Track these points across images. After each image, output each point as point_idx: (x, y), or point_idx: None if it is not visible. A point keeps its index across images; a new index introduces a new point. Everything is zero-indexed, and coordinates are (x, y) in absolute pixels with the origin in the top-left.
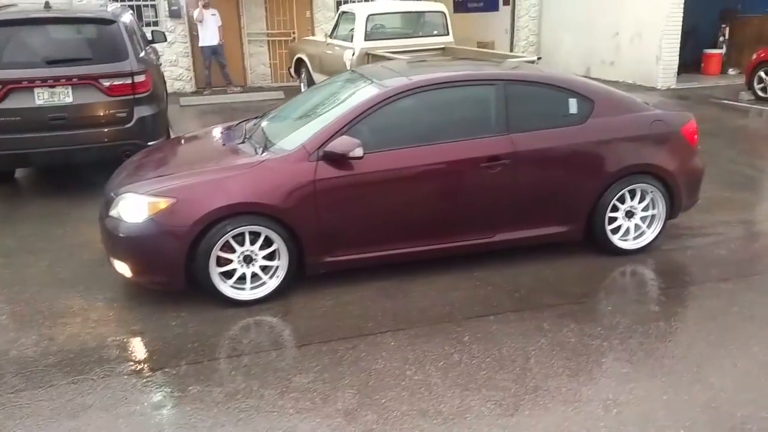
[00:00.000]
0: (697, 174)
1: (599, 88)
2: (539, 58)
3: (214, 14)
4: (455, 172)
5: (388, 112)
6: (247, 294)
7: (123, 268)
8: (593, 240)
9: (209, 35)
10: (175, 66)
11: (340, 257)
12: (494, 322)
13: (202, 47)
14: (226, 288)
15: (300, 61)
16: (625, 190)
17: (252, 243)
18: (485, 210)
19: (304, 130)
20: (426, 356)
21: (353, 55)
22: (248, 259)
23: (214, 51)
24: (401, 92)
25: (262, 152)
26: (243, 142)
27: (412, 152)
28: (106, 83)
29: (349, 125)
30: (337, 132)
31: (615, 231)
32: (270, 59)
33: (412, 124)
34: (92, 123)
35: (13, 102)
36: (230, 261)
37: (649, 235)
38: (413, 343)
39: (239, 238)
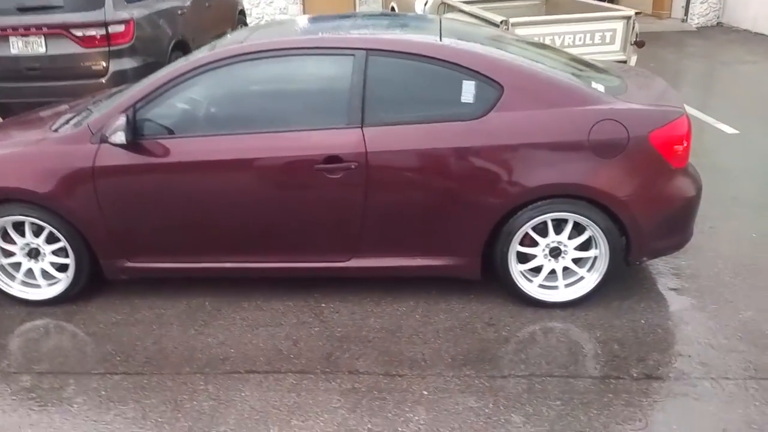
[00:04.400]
0: (676, 204)
1: (517, 67)
2: (638, 14)
3: None
4: (279, 173)
5: (199, 88)
6: (34, 293)
7: None
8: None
9: None
10: (285, 13)
11: (141, 264)
12: (252, 387)
13: None
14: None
15: (393, 10)
16: (546, 218)
17: (36, 235)
18: (330, 227)
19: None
20: (106, 416)
21: (425, 4)
22: (35, 253)
23: None
24: (212, 63)
25: (57, 128)
26: (65, 113)
27: (224, 141)
28: (78, 33)
29: (144, 101)
30: (126, 109)
31: (535, 272)
32: (383, 7)
33: (233, 105)
34: (66, 75)
35: None
36: (13, 254)
37: (589, 283)
38: (113, 398)
39: (22, 229)
